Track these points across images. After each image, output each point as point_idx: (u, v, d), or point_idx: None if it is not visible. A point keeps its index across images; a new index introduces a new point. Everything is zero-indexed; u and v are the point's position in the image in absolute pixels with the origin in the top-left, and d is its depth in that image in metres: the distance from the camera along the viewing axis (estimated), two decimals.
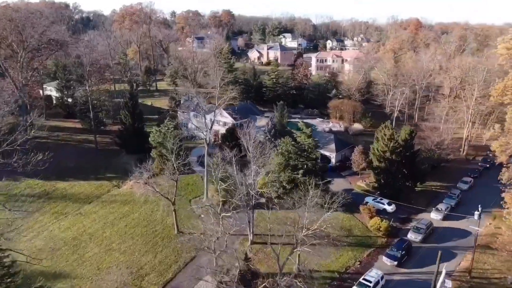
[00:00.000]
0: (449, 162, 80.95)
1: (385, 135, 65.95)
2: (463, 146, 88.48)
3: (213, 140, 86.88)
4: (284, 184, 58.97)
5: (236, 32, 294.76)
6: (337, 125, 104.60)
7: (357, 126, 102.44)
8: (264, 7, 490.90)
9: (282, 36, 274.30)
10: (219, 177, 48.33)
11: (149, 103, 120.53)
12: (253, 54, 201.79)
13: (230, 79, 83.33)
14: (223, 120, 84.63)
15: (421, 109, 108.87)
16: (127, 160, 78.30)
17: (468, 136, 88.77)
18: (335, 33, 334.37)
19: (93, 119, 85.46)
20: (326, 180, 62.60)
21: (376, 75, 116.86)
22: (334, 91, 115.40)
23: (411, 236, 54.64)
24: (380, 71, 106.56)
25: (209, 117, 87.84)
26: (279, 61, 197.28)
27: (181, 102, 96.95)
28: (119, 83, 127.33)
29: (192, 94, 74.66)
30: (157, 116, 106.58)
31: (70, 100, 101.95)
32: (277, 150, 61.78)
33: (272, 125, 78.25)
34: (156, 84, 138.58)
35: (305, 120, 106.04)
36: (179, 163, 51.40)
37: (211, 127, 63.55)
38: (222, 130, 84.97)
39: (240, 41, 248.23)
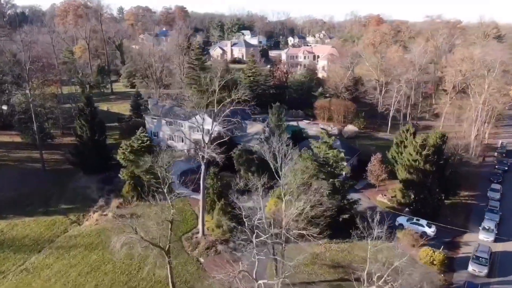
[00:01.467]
0: (467, 167, 71.57)
1: (416, 141, 54.45)
2: (472, 147, 79.82)
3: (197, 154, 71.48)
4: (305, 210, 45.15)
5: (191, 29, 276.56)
6: (328, 128, 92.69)
7: (351, 128, 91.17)
8: (219, 4, 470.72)
9: (240, 33, 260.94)
10: (255, 223, 32.59)
11: (105, 108, 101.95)
12: (215, 52, 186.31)
13: (232, 76, 68.09)
14: (206, 127, 69.28)
15: (413, 106, 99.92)
16: (86, 184, 61.12)
17: (477, 135, 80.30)
18: (292, 30, 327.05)
19: (37, 131, 66.98)
20: (352, 200, 50.02)
21: (363, 70, 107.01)
22: (320, 90, 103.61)
23: (473, 269, 43.18)
24: (372, 67, 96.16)
25: (187, 124, 72.52)
26: (244, 58, 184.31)
27: (149, 106, 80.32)
28: (67, 85, 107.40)
29: (183, 97, 57.12)
30: (117, 124, 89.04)
31: (5, 107, 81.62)
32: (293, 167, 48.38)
33: (269, 132, 64.35)
34: (111, 86, 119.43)
35: (290, 123, 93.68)
36: (174, 195, 36.00)
37: (210, 140, 48.15)
38: (207, 140, 69.71)
39: (199, 38, 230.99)
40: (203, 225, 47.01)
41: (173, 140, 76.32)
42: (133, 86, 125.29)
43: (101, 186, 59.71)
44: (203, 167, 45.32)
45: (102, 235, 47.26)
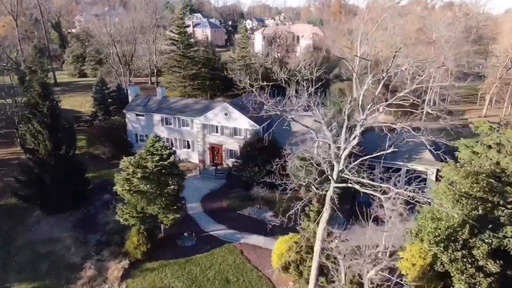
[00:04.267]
0: None
1: None
2: None
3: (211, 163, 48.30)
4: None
5: None
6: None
7: (388, 118, 73.07)
8: None
9: (193, 16, 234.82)
10: None
11: None
12: None
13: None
14: (232, 125, 46.38)
15: (445, 88, 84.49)
16: (52, 233, 35.89)
17: None
18: (242, 15, 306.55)
19: None
20: None
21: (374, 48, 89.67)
22: (336, 71, 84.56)
23: None
24: (401, 44, 78.63)
25: (198, 121, 49.08)
26: (209, 39, 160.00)
27: (130, 100, 55.49)
28: None
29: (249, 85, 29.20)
30: (77, 126, 62.42)
31: None
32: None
33: (336, 127, 43.42)
34: (54, 75, 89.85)
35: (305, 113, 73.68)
36: None
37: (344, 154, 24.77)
38: (232, 144, 47.06)
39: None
40: None
41: (172, 145, 52.39)
42: (82, 74, 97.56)
43: (82, 236, 34.95)
44: (327, 206, 23.10)
45: None
